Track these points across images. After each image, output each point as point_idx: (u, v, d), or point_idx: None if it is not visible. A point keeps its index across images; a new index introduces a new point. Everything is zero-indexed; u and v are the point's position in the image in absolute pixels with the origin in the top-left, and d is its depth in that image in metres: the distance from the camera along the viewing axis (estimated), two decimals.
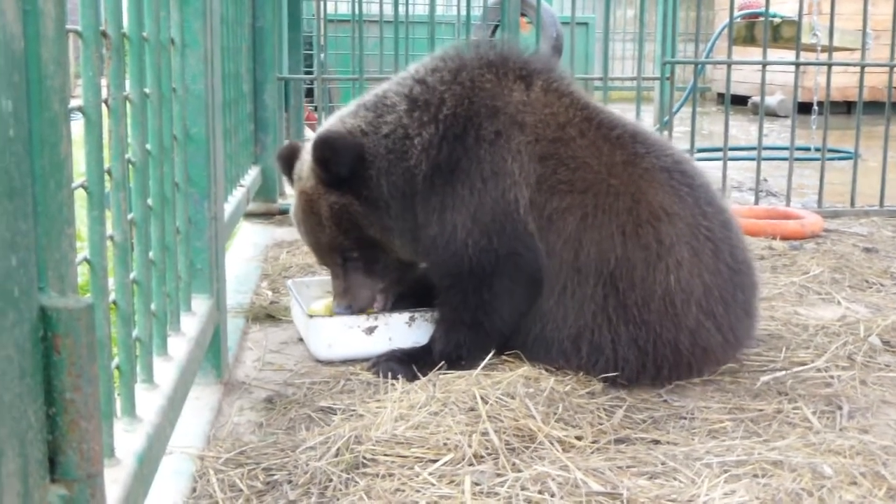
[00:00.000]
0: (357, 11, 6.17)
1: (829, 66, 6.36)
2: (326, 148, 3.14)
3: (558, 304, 3.00)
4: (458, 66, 3.20)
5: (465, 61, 3.22)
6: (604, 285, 2.94)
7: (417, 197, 3.13)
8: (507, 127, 3.06)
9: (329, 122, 3.36)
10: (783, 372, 3.09)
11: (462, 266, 3.03)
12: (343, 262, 3.31)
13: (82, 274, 1.83)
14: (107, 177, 1.71)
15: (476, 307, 3.06)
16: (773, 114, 14.21)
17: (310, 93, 8.83)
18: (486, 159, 3.03)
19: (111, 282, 1.77)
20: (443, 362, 3.03)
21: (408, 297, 3.44)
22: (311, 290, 3.71)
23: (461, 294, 3.07)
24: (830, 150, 7.54)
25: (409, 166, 3.12)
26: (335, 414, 2.73)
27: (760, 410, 2.79)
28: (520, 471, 2.32)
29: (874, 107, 8.90)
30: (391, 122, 3.16)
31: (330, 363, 3.22)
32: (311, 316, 3.26)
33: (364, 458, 2.36)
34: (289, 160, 3.44)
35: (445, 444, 2.42)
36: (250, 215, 5.88)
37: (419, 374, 2.97)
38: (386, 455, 2.38)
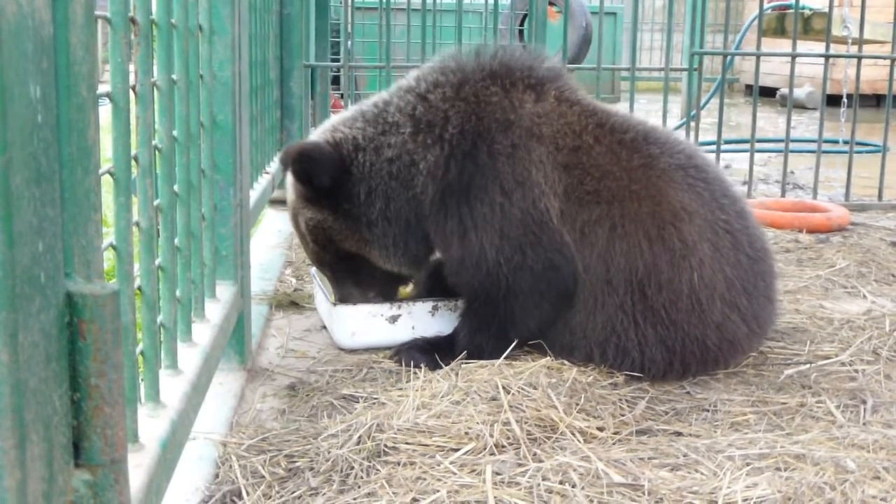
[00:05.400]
0: None
1: (859, 58, 6.31)
2: (304, 160, 3.09)
3: (588, 317, 2.97)
4: (459, 80, 3.11)
5: (467, 74, 3.12)
6: (632, 293, 2.92)
7: (427, 221, 3.08)
8: (524, 140, 3.00)
9: (319, 130, 3.30)
10: (807, 365, 3.07)
11: (498, 286, 2.99)
12: (333, 273, 3.34)
13: (108, 260, 1.84)
14: (133, 163, 1.71)
15: (505, 319, 3.03)
16: (801, 106, 14.12)
17: (336, 80, 8.83)
18: (505, 171, 2.97)
19: (136, 268, 1.78)
20: (465, 353, 3.03)
21: (432, 286, 3.44)
22: None
23: (491, 308, 3.03)
24: (859, 143, 7.49)
25: (415, 194, 3.07)
26: (357, 402, 2.74)
27: (784, 404, 2.78)
28: (541, 461, 2.32)
29: None
30: (395, 145, 3.08)
31: (353, 351, 3.23)
32: (334, 304, 3.27)
33: (386, 446, 2.36)
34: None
35: (467, 434, 2.42)
36: (275, 202, 5.88)
37: (441, 363, 2.97)
38: (407, 443, 2.38)
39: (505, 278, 2.97)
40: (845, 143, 7.13)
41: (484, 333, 3.06)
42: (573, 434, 2.48)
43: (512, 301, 3.00)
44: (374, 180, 3.10)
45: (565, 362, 2.94)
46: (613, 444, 2.47)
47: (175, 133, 2.10)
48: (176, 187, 2.11)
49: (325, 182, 3.09)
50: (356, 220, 3.15)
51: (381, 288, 3.36)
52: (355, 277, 3.32)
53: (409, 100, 3.14)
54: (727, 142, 7.90)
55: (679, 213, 2.96)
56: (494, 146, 3.00)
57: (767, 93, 14.91)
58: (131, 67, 1.70)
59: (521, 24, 10.68)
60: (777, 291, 3.25)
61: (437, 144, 3.04)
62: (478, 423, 2.45)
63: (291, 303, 3.79)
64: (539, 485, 2.20)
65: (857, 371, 3.04)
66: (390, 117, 3.13)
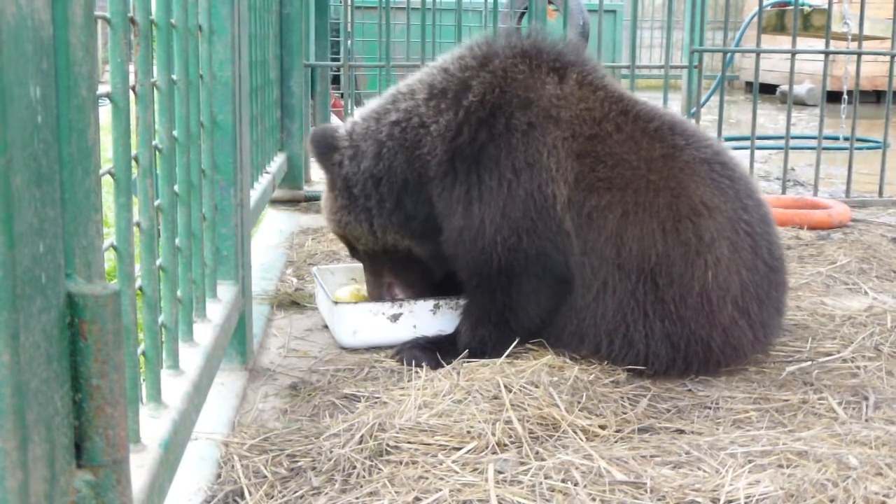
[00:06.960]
0: None
1: (859, 55, 6.31)
2: (308, 142, 3.38)
3: (597, 300, 2.97)
4: (486, 54, 3.16)
5: (496, 49, 3.17)
6: (644, 282, 2.91)
7: (433, 184, 3.11)
8: (540, 120, 3.02)
9: None
10: (809, 362, 3.07)
11: (491, 265, 3.01)
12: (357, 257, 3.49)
13: (109, 260, 1.84)
14: (133, 163, 1.71)
15: (504, 306, 3.04)
16: (801, 103, 14.11)
17: (336, 80, 8.82)
18: (518, 149, 2.99)
19: (137, 268, 1.78)
20: (466, 351, 3.03)
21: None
22: (336, 277, 3.72)
23: (489, 293, 3.05)
24: (859, 140, 7.49)
25: (421, 154, 3.11)
26: (359, 401, 2.74)
27: (786, 401, 2.78)
28: (543, 459, 2.32)
29: None
30: (405, 108, 3.17)
31: (354, 350, 3.23)
32: (335, 303, 3.27)
33: (388, 445, 2.36)
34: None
35: (469, 433, 2.42)
36: (276, 202, 5.89)
37: (443, 362, 2.97)
38: (409, 443, 2.38)
39: (499, 258, 3.00)
40: (846, 139, 7.13)
41: (486, 325, 3.06)
42: (575, 432, 2.48)
43: (507, 283, 3.01)
44: (365, 143, 3.20)
45: (567, 360, 2.94)
46: (615, 442, 2.47)
47: (175, 133, 2.10)
48: (176, 187, 2.11)
49: (320, 158, 3.32)
50: (331, 188, 3.29)
51: (386, 277, 3.43)
52: (363, 263, 3.44)
53: (431, 72, 3.24)
54: (727, 139, 7.90)
55: (698, 208, 2.94)
56: (512, 121, 3.03)
57: (767, 90, 14.91)
58: (131, 68, 1.70)
59: (520, 22, 10.67)
60: (786, 303, 3.24)
61: (452, 109, 3.10)
62: (480, 421, 2.45)
63: (293, 302, 3.79)
64: (541, 483, 2.20)
65: (858, 367, 3.04)
66: (407, 89, 3.23)
